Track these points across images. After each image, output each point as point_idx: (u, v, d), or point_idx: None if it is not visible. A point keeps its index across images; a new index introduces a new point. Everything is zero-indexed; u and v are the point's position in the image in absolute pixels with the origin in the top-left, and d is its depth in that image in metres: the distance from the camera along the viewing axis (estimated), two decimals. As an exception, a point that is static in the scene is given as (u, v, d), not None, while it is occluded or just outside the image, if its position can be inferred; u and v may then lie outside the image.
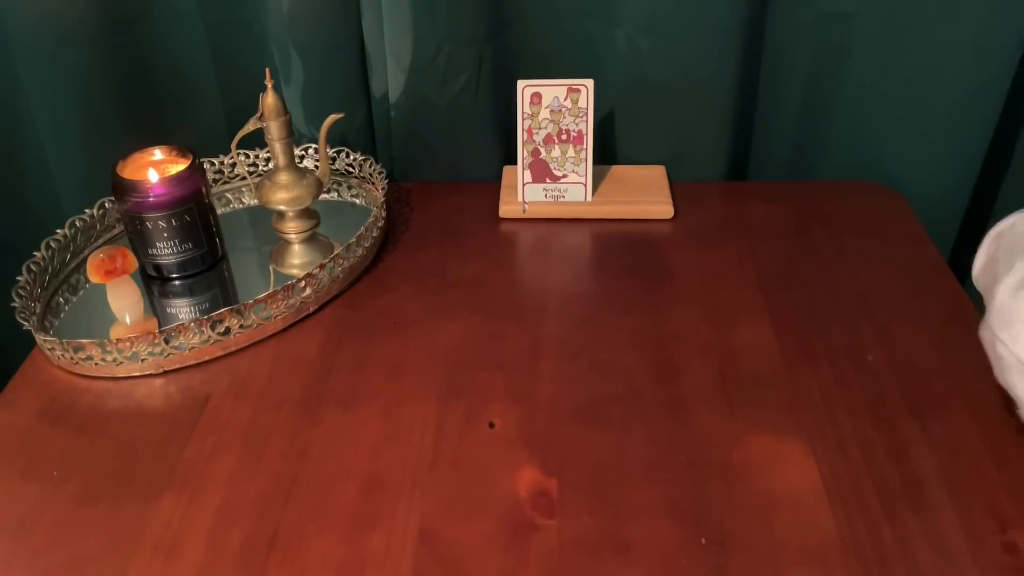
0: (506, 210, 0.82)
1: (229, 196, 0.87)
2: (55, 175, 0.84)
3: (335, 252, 0.71)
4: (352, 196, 0.86)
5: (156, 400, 0.63)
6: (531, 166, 0.80)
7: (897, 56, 0.80)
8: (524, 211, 0.82)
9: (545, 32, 0.82)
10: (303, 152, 0.86)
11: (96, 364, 0.64)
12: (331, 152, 0.86)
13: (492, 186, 0.85)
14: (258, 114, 0.72)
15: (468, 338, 0.67)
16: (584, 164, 0.80)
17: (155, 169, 0.72)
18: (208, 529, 0.52)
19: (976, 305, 0.60)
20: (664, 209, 0.80)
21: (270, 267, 0.77)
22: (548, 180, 0.81)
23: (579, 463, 0.55)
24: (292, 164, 0.75)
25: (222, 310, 0.64)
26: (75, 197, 0.82)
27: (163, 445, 0.58)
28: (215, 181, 0.86)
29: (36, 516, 0.54)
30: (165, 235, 0.72)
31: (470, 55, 0.80)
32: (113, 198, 0.75)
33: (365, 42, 0.82)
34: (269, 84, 0.71)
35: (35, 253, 0.72)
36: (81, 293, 0.74)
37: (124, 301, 0.68)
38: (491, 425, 0.59)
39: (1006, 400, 0.55)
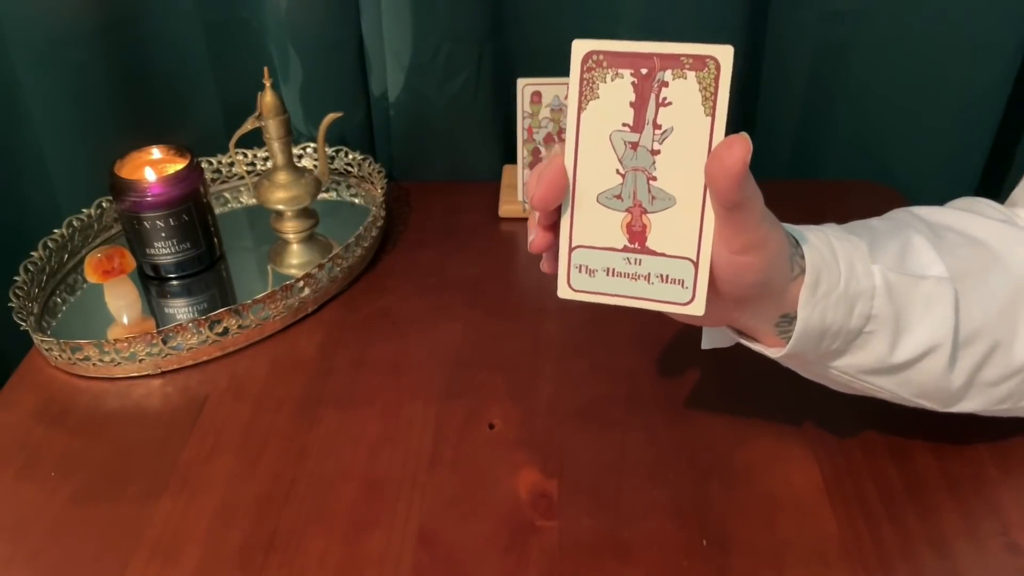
0: (506, 209, 0.82)
1: (227, 195, 0.86)
2: (52, 174, 0.84)
3: (334, 252, 0.71)
4: (351, 195, 0.86)
5: (154, 401, 0.63)
6: (531, 165, 0.80)
7: (899, 55, 0.79)
8: (524, 211, 0.81)
9: (545, 30, 0.81)
10: (302, 151, 0.86)
11: (94, 364, 0.63)
12: (330, 151, 0.85)
13: (492, 185, 0.85)
14: (256, 113, 0.72)
15: (468, 338, 0.67)
16: (584, 163, 0.80)
17: (153, 168, 0.72)
18: (206, 530, 0.52)
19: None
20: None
21: (268, 267, 0.77)
22: (548, 179, 0.80)
23: (580, 464, 0.55)
24: (290, 163, 0.74)
25: (220, 310, 0.64)
26: (72, 197, 0.82)
27: (161, 446, 0.58)
28: (213, 180, 0.86)
29: (34, 517, 0.53)
30: (163, 235, 0.71)
31: (470, 53, 0.80)
32: (111, 197, 0.74)
33: (364, 41, 0.82)
34: (267, 83, 0.71)
35: (32, 253, 0.72)
36: (79, 293, 0.74)
37: (122, 301, 0.68)
38: (491, 426, 0.58)
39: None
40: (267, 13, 0.81)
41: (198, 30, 0.83)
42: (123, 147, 0.73)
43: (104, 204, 0.78)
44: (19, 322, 0.66)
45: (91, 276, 0.66)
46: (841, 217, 0.51)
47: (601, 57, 0.38)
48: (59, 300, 0.73)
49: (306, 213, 0.76)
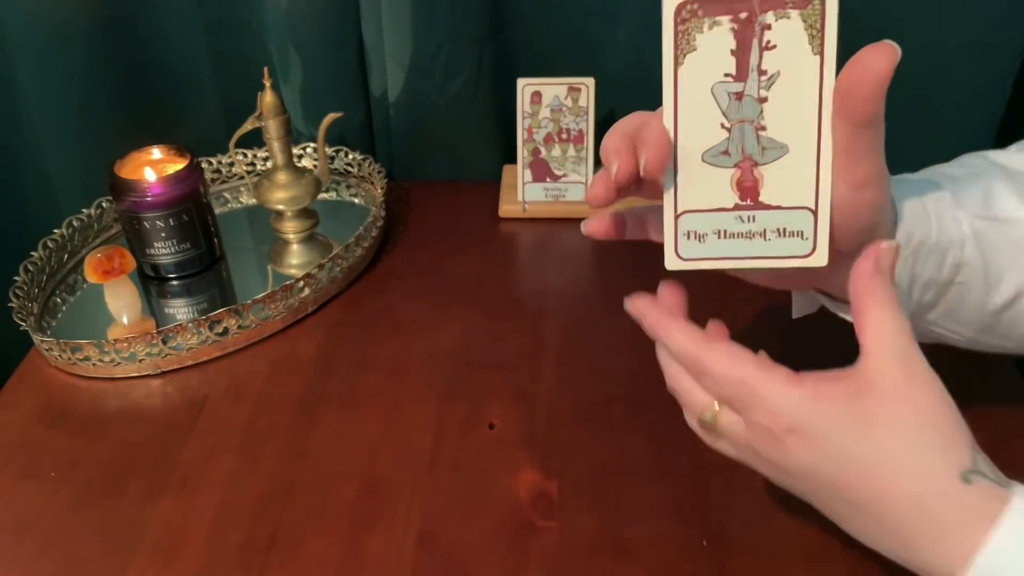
0: (506, 210, 0.82)
1: (227, 195, 0.86)
2: (52, 174, 0.84)
3: (334, 252, 0.71)
4: (351, 195, 0.86)
5: (154, 401, 0.63)
6: (531, 165, 0.80)
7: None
8: (524, 210, 0.81)
9: (545, 30, 0.81)
10: (302, 151, 0.86)
11: (94, 365, 0.63)
12: (330, 151, 0.85)
13: (492, 185, 0.85)
14: (256, 113, 0.72)
15: (468, 338, 0.67)
16: (584, 164, 0.80)
17: (153, 168, 0.72)
18: (207, 531, 0.52)
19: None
20: (664, 208, 0.80)
21: (268, 267, 0.77)
22: (548, 179, 0.81)
23: (579, 464, 0.55)
24: (291, 163, 0.74)
25: (220, 310, 0.64)
26: (72, 197, 0.82)
27: (161, 446, 0.58)
28: (213, 180, 0.86)
29: (34, 517, 0.53)
30: (163, 235, 0.71)
31: (470, 53, 0.80)
32: (111, 198, 0.74)
33: (364, 41, 0.82)
34: (267, 83, 0.71)
35: (32, 253, 0.72)
36: (79, 293, 0.74)
37: (122, 301, 0.68)
38: (491, 426, 0.58)
39: (1008, 396, 0.55)
40: (267, 13, 0.81)
41: (198, 30, 0.83)
42: (123, 147, 0.73)
43: (104, 204, 0.78)
44: (19, 322, 0.65)
45: (91, 276, 0.66)
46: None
47: (696, 7, 0.36)
48: (59, 300, 0.73)
49: (306, 213, 0.76)
